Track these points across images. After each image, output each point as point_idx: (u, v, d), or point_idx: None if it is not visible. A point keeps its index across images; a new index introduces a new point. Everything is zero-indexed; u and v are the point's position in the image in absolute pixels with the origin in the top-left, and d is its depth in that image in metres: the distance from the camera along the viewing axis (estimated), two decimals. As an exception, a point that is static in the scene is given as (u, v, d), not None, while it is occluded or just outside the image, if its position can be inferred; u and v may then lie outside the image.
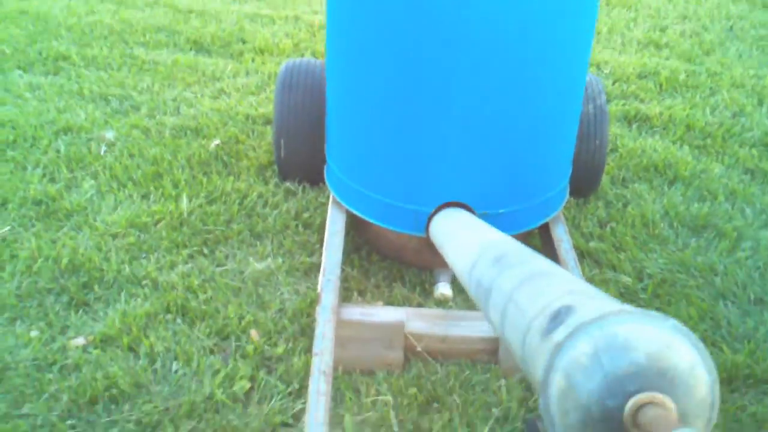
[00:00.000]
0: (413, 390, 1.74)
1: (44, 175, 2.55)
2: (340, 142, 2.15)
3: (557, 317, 0.79)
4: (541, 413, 0.75)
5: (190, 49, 3.84)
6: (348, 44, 2.01)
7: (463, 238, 1.52)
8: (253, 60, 3.71)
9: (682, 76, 3.70)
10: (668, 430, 0.63)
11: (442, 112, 1.91)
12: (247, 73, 3.58)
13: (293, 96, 2.51)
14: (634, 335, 0.72)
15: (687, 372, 0.72)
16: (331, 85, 2.17)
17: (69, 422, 1.62)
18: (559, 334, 0.75)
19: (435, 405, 1.72)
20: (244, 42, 3.91)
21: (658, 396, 0.70)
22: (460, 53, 1.83)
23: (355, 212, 2.09)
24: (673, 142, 3.05)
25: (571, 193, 2.46)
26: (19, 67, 3.47)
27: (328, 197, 2.36)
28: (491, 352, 1.89)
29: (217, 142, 2.80)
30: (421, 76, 1.88)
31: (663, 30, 4.30)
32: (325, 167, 2.29)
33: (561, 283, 0.90)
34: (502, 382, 1.79)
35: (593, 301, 0.78)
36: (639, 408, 0.70)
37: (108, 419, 1.63)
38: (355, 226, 2.25)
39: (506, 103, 1.92)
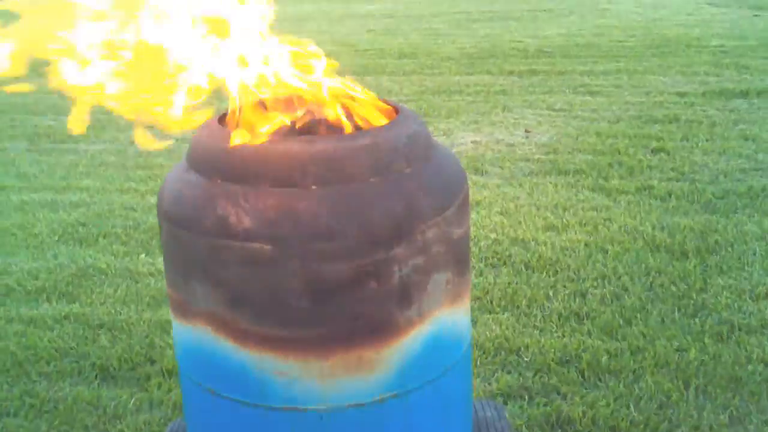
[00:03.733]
0: None
1: None
2: None
3: None
4: None
5: (96, 377, 3.68)
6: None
7: None
8: (159, 386, 3.55)
9: (604, 359, 3.59)
10: None
11: None
12: (151, 406, 3.41)
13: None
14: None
15: None
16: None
17: None
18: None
19: None
20: (152, 362, 3.77)
21: None
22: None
23: None
24: (596, 459, 2.87)
25: None
26: None
27: None
28: None
29: None
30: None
31: (583, 295, 4.25)
32: None
33: None
34: None
35: None
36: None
37: None
38: None
39: None
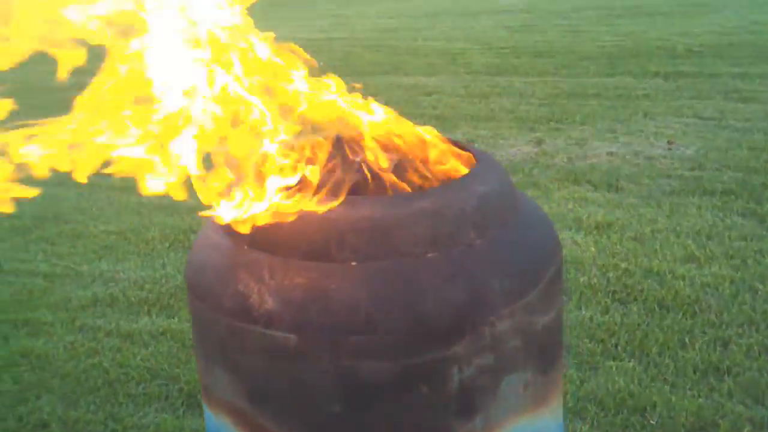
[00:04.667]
0: None
1: None
2: None
3: None
4: None
5: (182, 404, 3.51)
6: None
7: None
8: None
9: (746, 430, 3.05)
10: None
11: None
12: None
13: None
14: None
15: None
16: None
17: None
18: None
19: None
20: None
21: None
22: None
23: None
24: None
25: None
26: (-12, 449, 3.22)
27: None
28: None
29: None
30: None
31: (725, 345, 3.69)
32: None
33: None
34: None
35: None
36: None
37: None
38: None
39: None
